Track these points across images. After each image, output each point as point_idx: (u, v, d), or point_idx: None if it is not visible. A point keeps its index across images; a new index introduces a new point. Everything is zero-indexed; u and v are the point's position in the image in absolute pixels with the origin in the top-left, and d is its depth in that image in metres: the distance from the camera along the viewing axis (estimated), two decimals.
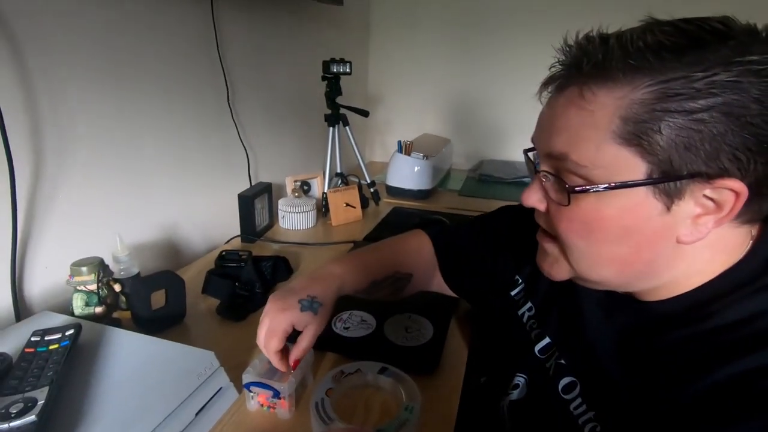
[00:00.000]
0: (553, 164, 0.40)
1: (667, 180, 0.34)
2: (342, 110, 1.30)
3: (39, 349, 0.51)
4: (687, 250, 0.37)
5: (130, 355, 0.55)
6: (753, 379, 0.32)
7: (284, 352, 0.55)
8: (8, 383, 0.46)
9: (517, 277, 0.62)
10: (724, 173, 0.33)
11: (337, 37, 1.62)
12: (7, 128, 0.61)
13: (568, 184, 0.38)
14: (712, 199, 0.35)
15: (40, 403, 0.43)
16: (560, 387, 0.47)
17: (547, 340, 0.52)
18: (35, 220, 0.69)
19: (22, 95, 0.65)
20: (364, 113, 1.32)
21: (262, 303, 0.57)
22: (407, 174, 1.42)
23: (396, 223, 1.23)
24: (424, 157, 1.41)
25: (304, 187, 1.30)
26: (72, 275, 0.66)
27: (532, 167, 0.44)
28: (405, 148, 1.43)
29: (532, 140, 0.43)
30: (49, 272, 0.72)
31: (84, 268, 0.66)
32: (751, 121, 0.31)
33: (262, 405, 0.55)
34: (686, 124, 0.32)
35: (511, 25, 1.71)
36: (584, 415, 0.43)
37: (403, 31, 1.87)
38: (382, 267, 0.65)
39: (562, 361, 0.48)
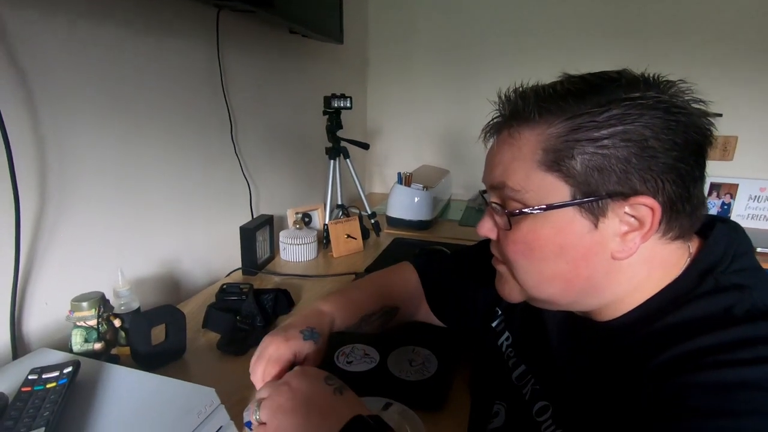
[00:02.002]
0: (497, 194, 0.46)
1: (589, 200, 0.39)
2: (342, 143, 1.33)
3: (36, 388, 0.50)
4: (624, 266, 0.41)
5: (129, 393, 0.54)
6: (681, 364, 0.35)
7: None
8: (3, 424, 0.44)
9: (497, 308, 0.64)
10: (637, 192, 0.38)
11: (337, 73, 1.68)
12: (16, 168, 0.62)
13: (508, 210, 0.44)
14: (634, 216, 0.39)
15: None
16: (534, 411, 0.49)
17: (522, 367, 0.55)
18: (36, 256, 0.69)
19: (31, 133, 0.66)
20: (365, 146, 1.34)
21: (263, 336, 0.56)
22: (407, 205, 1.43)
23: (397, 254, 1.22)
24: (423, 188, 1.43)
25: (306, 219, 1.30)
26: (72, 311, 0.65)
27: (485, 203, 0.50)
28: (405, 180, 1.45)
29: (482, 179, 0.49)
30: (50, 308, 0.71)
31: (84, 304, 0.65)
32: (649, 145, 0.37)
33: None
34: (594, 150, 0.38)
35: (505, 55, 1.76)
36: None
37: (400, 66, 1.92)
38: (371, 303, 0.67)
39: (537, 387, 0.51)
